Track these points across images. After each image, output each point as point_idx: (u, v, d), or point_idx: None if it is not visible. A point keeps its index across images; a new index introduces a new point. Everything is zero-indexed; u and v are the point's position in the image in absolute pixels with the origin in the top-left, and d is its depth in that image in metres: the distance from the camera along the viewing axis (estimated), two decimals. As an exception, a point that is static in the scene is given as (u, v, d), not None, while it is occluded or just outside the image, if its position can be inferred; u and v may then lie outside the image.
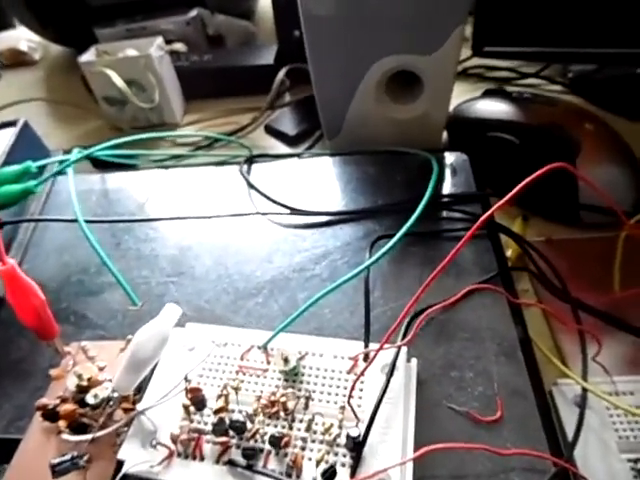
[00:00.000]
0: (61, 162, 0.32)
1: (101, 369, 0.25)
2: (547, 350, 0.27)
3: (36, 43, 0.74)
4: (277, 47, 0.56)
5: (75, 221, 0.29)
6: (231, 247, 0.32)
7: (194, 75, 0.56)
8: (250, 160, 0.38)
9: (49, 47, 0.75)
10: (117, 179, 0.39)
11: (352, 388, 0.20)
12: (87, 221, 0.29)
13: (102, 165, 0.43)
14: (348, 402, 0.20)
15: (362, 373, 0.20)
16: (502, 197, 0.34)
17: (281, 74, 0.52)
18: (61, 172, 0.32)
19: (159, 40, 0.50)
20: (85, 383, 0.23)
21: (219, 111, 0.55)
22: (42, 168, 0.34)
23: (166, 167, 0.43)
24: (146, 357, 0.21)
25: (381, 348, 0.20)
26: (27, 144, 0.37)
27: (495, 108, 0.40)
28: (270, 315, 0.28)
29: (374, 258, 0.25)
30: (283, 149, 0.48)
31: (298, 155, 0.39)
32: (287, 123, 0.51)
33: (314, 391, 0.22)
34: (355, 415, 0.20)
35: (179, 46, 0.54)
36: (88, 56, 0.50)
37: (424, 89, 0.36)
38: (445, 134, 0.42)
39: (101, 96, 0.51)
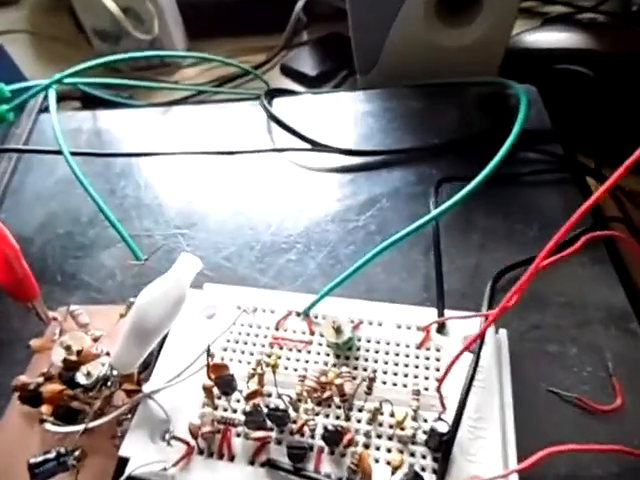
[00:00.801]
0: (40, 88, 0.26)
1: (95, 339, 0.20)
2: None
3: (18, -22, 0.66)
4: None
5: (59, 153, 0.23)
6: (252, 193, 0.26)
7: (198, 9, 0.48)
8: (271, 94, 0.31)
9: (32, -18, 0.66)
10: (111, 117, 0.33)
11: (447, 370, 0.15)
12: (74, 154, 0.23)
13: (94, 104, 0.36)
14: (438, 389, 0.15)
15: (463, 352, 0.15)
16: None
17: (299, 6, 0.44)
18: (43, 95, 0.26)
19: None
20: (74, 357, 0.18)
21: (226, 51, 0.48)
22: (18, 96, 0.27)
23: (158, 105, 0.36)
24: (154, 325, 0.16)
25: (497, 317, 0.14)
26: (1, 70, 0.31)
27: (562, 36, 0.33)
28: (306, 275, 0.22)
29: (449, 203, 0.19)
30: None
31: (329, 92, 0.33)
32: (306, 63, 0.45)
33: (375, 370, 0.17)
34: (442, 404, 0.15)
35: (181, -31, 0.46)
36: (75, -21, 0.42)
37: (483, 9, 0.30)
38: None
39: (92, 29, 0.44)
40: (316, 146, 0.26)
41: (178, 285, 0.16)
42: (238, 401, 0.17)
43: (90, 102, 0.37)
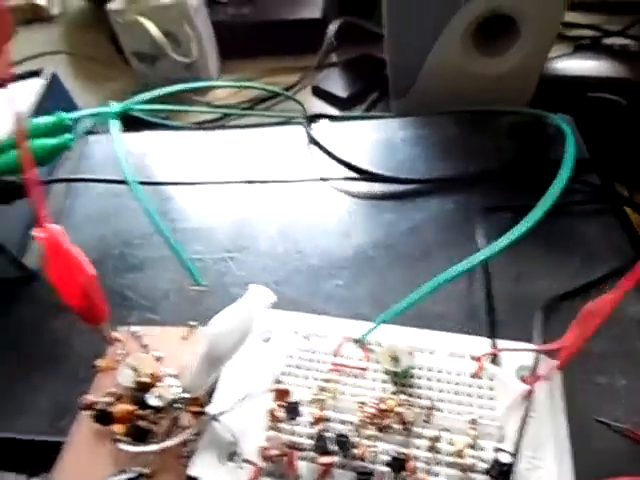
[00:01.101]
0: (97, 115, 0.27)
1: (157, 360, 0.21)
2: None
3: (53, -4, 0.68)
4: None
5: (124, 182, 0.24)
6: (298, 218, 0.27)
7: (232, 30, 0.50)
8: (311, 119, 0.33)
9: (67, 1, 0.69)
10: (154, 139, 0.34)
11: (510, 408, 0.16)
12: (140, 183, 0.24)
13: (134, 125, 0.38)
14: (500, 422, 0.16)
15: (528, 392, 0.16)
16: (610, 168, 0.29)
17: (333, 28, 0.46)
18: (96, 127, 0.27)
19: (196, -14, 0.45)
20: (147, 379, 0.19)
21: (258, 71, 0.50)
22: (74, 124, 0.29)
23: (205, 128, 0.38)
24: (225, 353, 0.17)
25: (573, 355, 0.14)
26: (55, 97, 0.32)
27: (594, 64, 0.34)
28: (355, 300, 0.23)
29: (507, 241, 0.19)
30: (333, 113, 0.43)
31: (367, 117, 0.34)
32: (337, 84, 0.46)
33: (432, 398, 0.18)
34: (503, 436, 0.16)
35: (218, -6, 0.48)
36: (117, 4, 0.44)
37: (520, 38, 0.31)
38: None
39: (130, 51, 0.46)
40: (362, 174, 0.27)
41: (249, 317, 0.17)
42: (298, 424, 0.18)
43: (130, 123, 0.39)
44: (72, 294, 0.18)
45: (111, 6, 0.43)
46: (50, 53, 0.52)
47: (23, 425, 0.22)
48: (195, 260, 0.26)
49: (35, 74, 0.33)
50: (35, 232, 0.17)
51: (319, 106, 0.44)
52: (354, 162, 0.28)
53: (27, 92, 0.31)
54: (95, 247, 0.28)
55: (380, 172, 0.28)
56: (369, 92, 0.44)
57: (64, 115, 0.26)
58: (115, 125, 0.27)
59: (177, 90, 0.29)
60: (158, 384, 0.19)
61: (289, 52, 0.50)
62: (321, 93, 0.45)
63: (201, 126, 0.39)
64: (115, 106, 0.28)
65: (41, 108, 0.30)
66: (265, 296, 0.18)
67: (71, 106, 0.35)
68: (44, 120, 0.25)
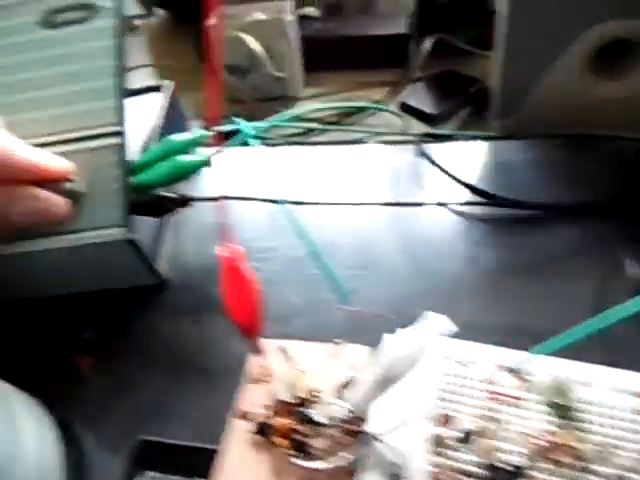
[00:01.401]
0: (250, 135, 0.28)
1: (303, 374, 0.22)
2: None
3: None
4: (413, 15, 0.50)
5: (275, 202, 0.25)
6: (420, 239, 0.28)
7: (317, 44, 0.51)
8: (422, 139, 0.33)
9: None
10: (255, 155, 0.35)
11: None
12: (291, 202, 0.25)
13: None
14: None
15: None
16: None
17: (427, 45, 0.46)
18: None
19: (291, 3, 0.46)
20: (305, 395, 0.19)
21: (341, 84, 0.51)
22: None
23: (296, 143, 0.39)
24: (397, 375, 0.17)
25: None
26: (174, 112, 0.34)
27: None
28: (493, 327, 0.23)
29: None
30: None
31: (477, 136, 0.34)
32: (424, 100, 0.46)
33: (603, 434, 0.17)
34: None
35: (311, 10, 0.49)
36: (214, 19, 0.46)
37: (641, 63, 0.30)
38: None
39: (223, 63, 0.47)
40: (489, 198, 0.27)
41: (423, 343, 0.17)
42: (464, 452, 0.18)
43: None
44: (242, 311, 0.19)
45: (209, 21, 0.45)
46: (142, 66, 0.54)
47: (166, 431, 0.22)
48: (321, 277, 0.26)
49: (154, 89, 0.35)
50: (219, 251, 0.18)
51: (405, 122, 0.45)
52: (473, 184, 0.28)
53: (147, 107, 0.33)
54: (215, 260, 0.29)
55: (499, 195, 0.28)
56: (459, 109, 0.44)
57: (205, 133, 0.27)
58: (257, 143, 0.28)
59: (324, 108, 0.30)
60: (315, 399, 0.20)
61: (372, 66, 0.51)
62: (408, 109, 0.45)
63: (298, 141, 0.40)
64: (246, 124, 0.29)
65: (164, 124, 0.31)
66: (443, 324, 0.18)
67: (183, 119, 0.36)
68: (183, 138, 0.27)
